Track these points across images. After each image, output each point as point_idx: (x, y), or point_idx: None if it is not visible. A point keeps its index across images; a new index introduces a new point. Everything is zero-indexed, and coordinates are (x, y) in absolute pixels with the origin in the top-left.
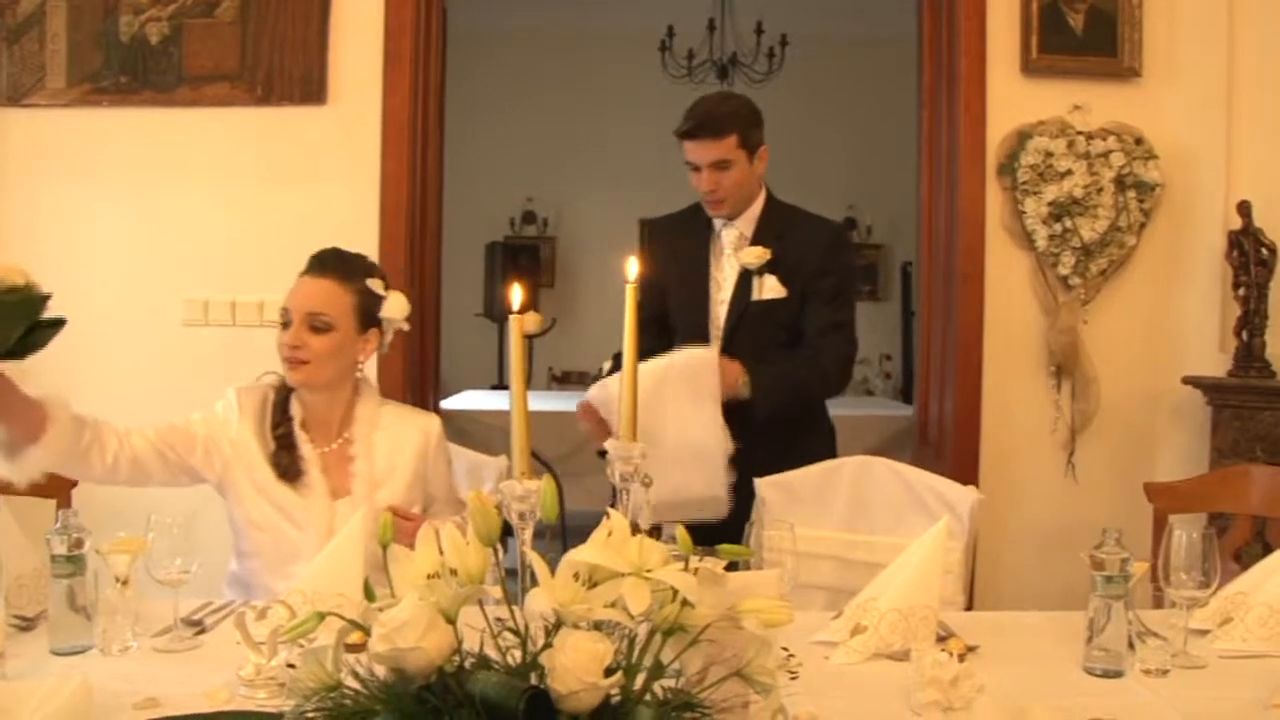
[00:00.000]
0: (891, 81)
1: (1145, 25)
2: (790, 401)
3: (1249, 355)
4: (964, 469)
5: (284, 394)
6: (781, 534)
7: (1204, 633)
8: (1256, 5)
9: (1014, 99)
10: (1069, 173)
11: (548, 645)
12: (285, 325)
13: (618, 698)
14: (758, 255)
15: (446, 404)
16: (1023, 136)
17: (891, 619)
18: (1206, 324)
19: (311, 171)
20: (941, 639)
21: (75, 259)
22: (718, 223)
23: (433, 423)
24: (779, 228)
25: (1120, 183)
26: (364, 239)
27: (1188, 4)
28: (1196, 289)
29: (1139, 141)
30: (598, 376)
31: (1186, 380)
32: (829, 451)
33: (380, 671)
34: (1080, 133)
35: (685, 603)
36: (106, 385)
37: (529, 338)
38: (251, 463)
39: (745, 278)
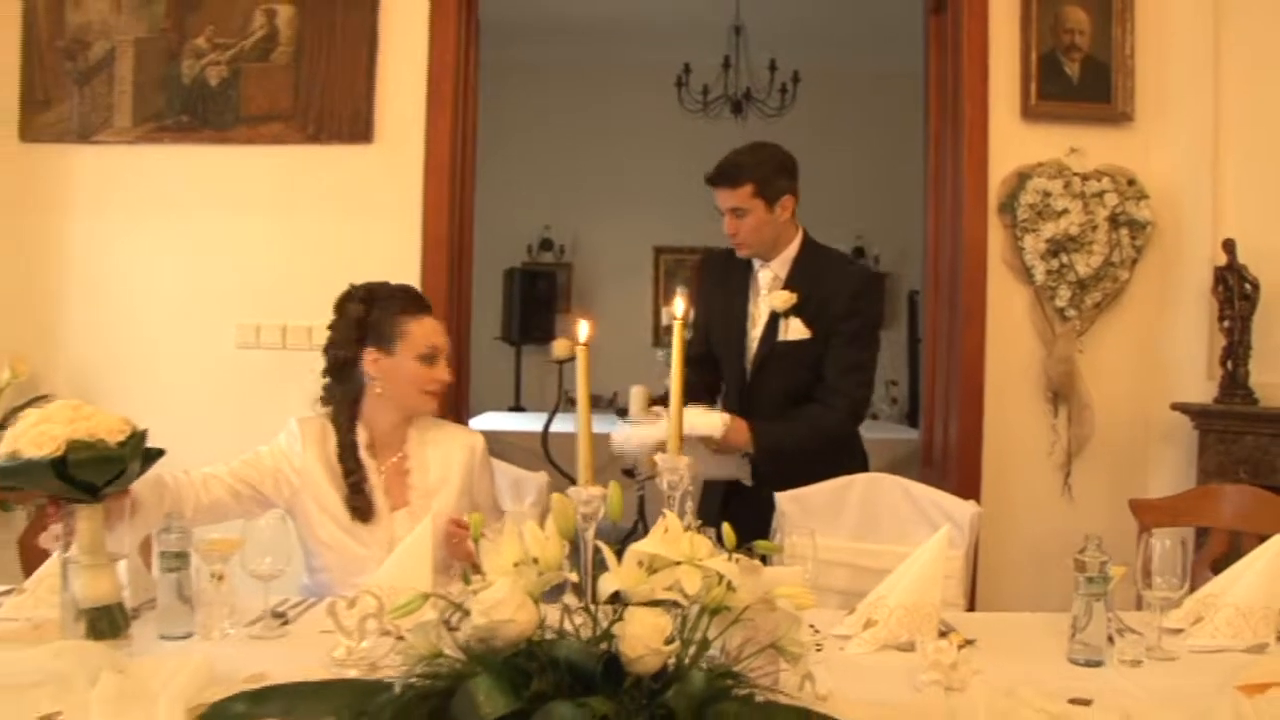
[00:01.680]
0: (900, 115)
1: (1137, 74)
2: (792, 457)
3: (1233, 383)
4: (967, 489)
5: (349, 422)
6: (803, 540)
7: (1178, 631)
8: (1241, 56)
9: (1014, 142)
10: (1065, 211)
11: (619, 618)
12: (430, 361)
13: (673, 664)
14: (785, 299)
15: (472, 424)
16: (1022, 177)
17: (899, 615)
18: (1194, 354)
19: (358, 205)
20: (943, 633)
21: (137, 284)
22: (756, 262)
23: (477, 439)
24: (812, 271)
25: (1114, 221)
26: (407, 269)
27: (1177, 54)
28: (1185, 321)
29: (1131, 182)
30: (613, 401)
31: (1175, 407)
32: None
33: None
34: (1076, 174)
35: (729, 587)
36: (165, 400)
37: (558, 363)
38: (318, 488)
39: (774, 318)
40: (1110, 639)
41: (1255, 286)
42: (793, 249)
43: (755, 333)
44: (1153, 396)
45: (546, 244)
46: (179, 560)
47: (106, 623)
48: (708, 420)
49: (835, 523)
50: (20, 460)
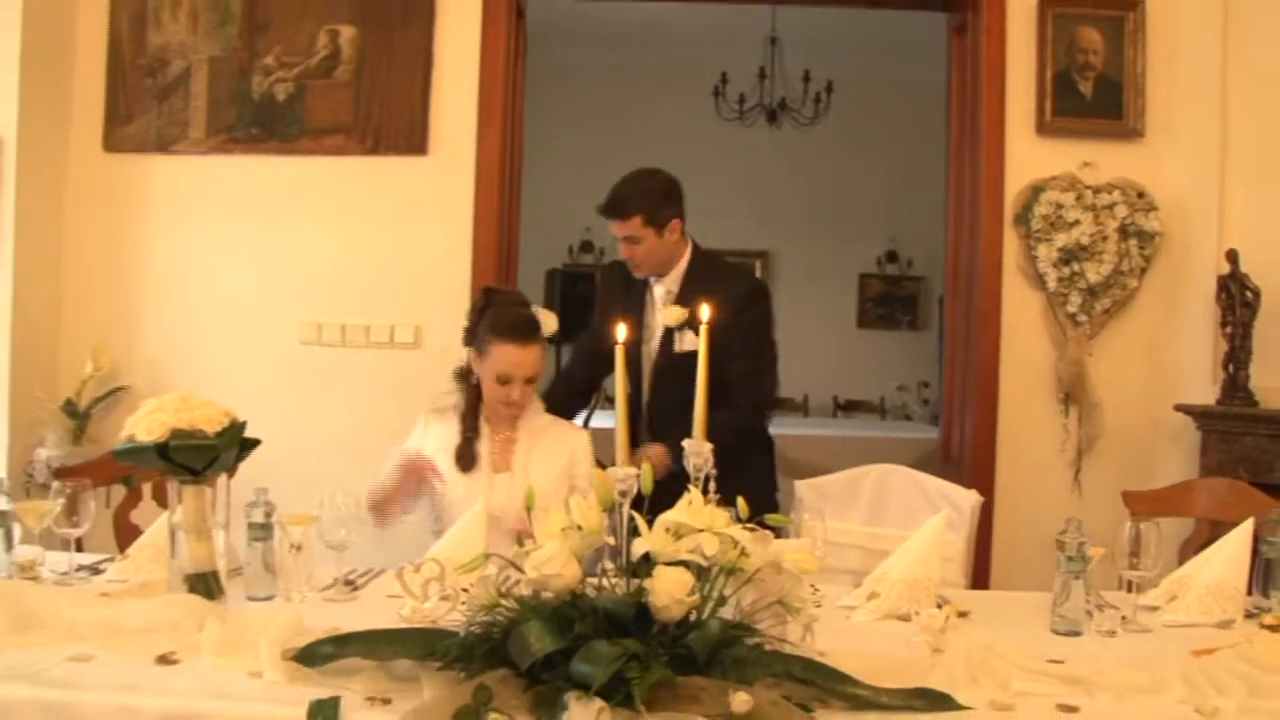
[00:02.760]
0: (930, 124)
1: (1148, 92)
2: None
3: (1234, 386)
4: (982, 485)
5: (475, 394)
6: (815, 522)
7: (1155, 608)
8: (1247, 77)
9: (1029, 156)
10: (1077, 222)
11: (649, 574)
12: (504, 383)
13: (694, 615)
14: (677, 315)
15: None
16: (1036, 190)
17: (900, 588)
18: (1199, 358)
19: (413, 213)
20: (939, 606)
21: (209, 284)
22: (651, 278)
23: (582, 436)
24: (702, 283)
25: (1123, 231)
26: (457, 273)
27: (1186, 74)
28: (1191, 326)
29: (1141, 195)
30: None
31: (1179, 408)
32: (769, 463)
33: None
34: (1088, 187)
35: (743, 552)
36: (233, 391)
37: None
38: (440, 454)
39: (669, 331)
40: (1089, 613)
41: (1256, 294)
42: (683, 264)
43: (651, 346)
44: (1159, 398)
45: (587, 246)
46: (264, 532)
47: (204, 586)
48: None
49: (850, 509)
50: (133, 444)
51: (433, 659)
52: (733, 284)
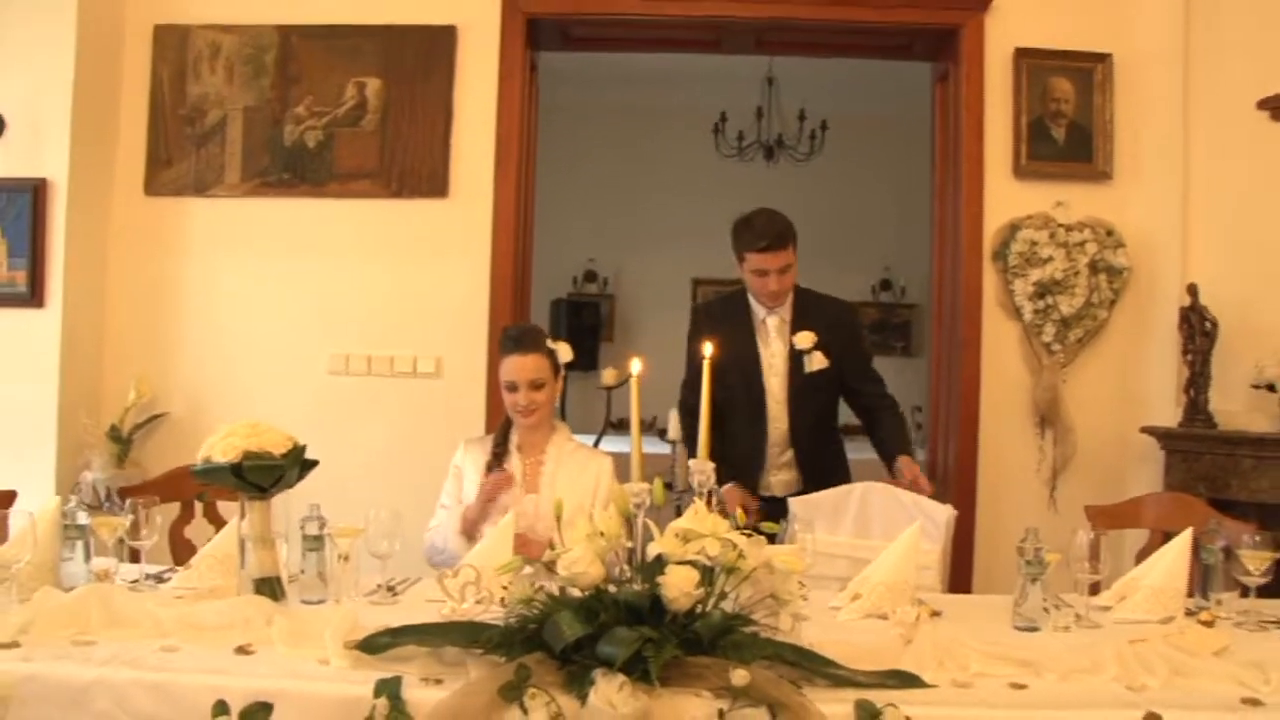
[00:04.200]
0: (920, 157)
1: (1116, 137)
2: None
3: (1195, 409)
4: (964, 501)
5: (506, 431)
6: (805, 534)
7: (1108, 608)
8: (1206, 123)
9: (1007, 197)
10: (1051, 258)
11: (661, 572)
12: (512, 391)
13: (700, 607)
14: (808, 339)
15: None
16: (1013, 228)
17: (880, 590)
18: (1164, 383)
19: (435, 252)
20: (916, 607)
21: (244, 318)
22: (759, 310)
23: (605, 462)
24: (810, 310)
25: (1094, 267)
26: (476, 307)
27: (1151, 121)
28: (1156, 354)
29: (1110, 233)
30: (653, 424)
31: (1145, 429)
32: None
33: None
34: (1061, 225)
35: (740, 554)
36: (267, 418)
37: (607, 389)
38: (474, 474)
39: (795, 355)
40: (1046, 610)
41: (1215, 325)
42: (792, 295)
43: (772, 374)
44: (1127, 420)
45: (591, 276)
46: (317, 543)
47: (269, 589)
48: (933, 504)
49: (838, 523)
50: (211, 464)
51: (477, 646)
52: (838, 308)
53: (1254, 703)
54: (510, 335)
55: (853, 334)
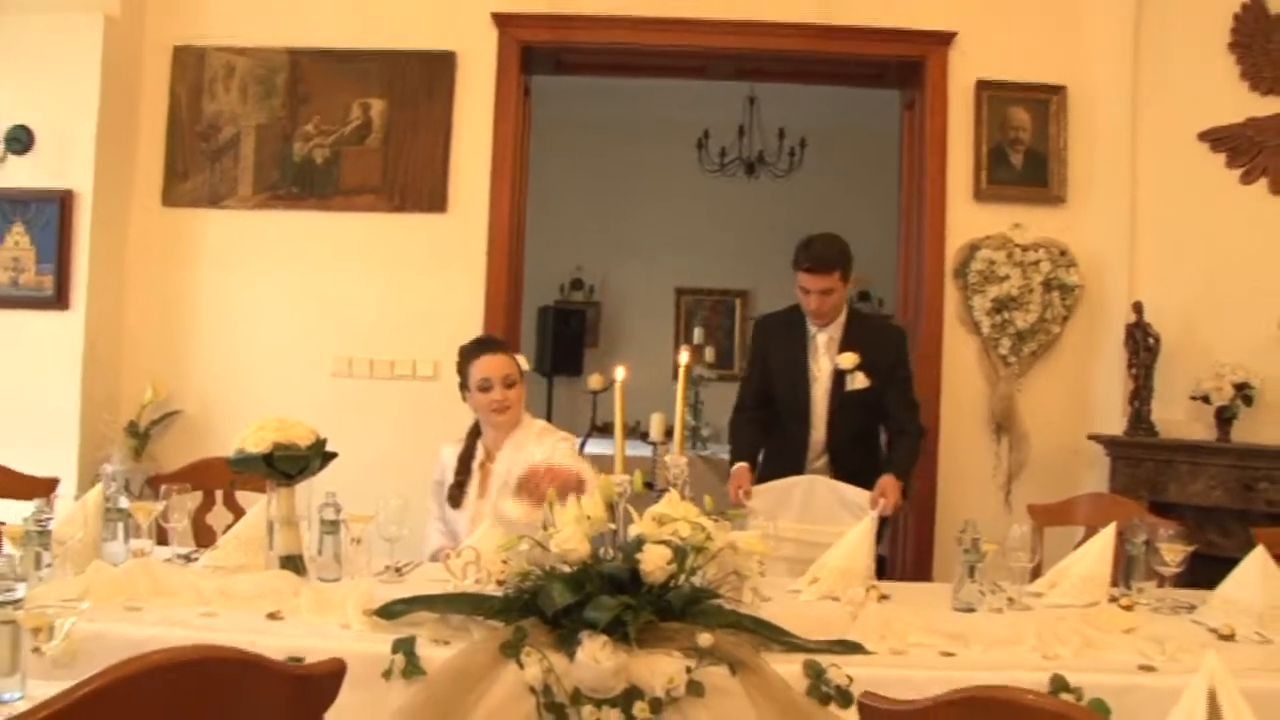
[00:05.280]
0: (894, 173)
1: (1070, 164)
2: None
3: (1138, 419)
4: (924, 504)
5: (472, 440)
6: (767, 521)
7: (1040, 594)
8: (1153, 152)
9: (967, 219)
10: (1008, 277)
11: (639, 549)
12: (486, 390)
13: (673, 580)
14: (851, 359)
15: None
16: (973, 248)
17: (835, 575)
18: (1111, 394)
19: (433, 262)
20: (867, 590)
21: (253, 323)
22: (812, 327)
23: (563, 443)
24: (859, 333)
25: (1047, 285)
26: (472, 314)
27: (1102, 149)
28: (1104, 367)
29: (1063, 253)
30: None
31: (1092, 437)
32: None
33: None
34: (1018, 245)
35: (708, 536)
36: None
37: (593, 394)
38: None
39: (838, 373)
40: (982, 594)
41: (1157, 340)
42: (844, 315)
43: (817, 386)
44: (1077, 428)
45: (578, 284)
46: (334, 527)
47: (293, 566)
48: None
49: (784, 510)
50: (245, 455)
51: (479, 613)
52: (888, 333)
53: (1148, 669)
54: (479, 340)
55: (896, 360)
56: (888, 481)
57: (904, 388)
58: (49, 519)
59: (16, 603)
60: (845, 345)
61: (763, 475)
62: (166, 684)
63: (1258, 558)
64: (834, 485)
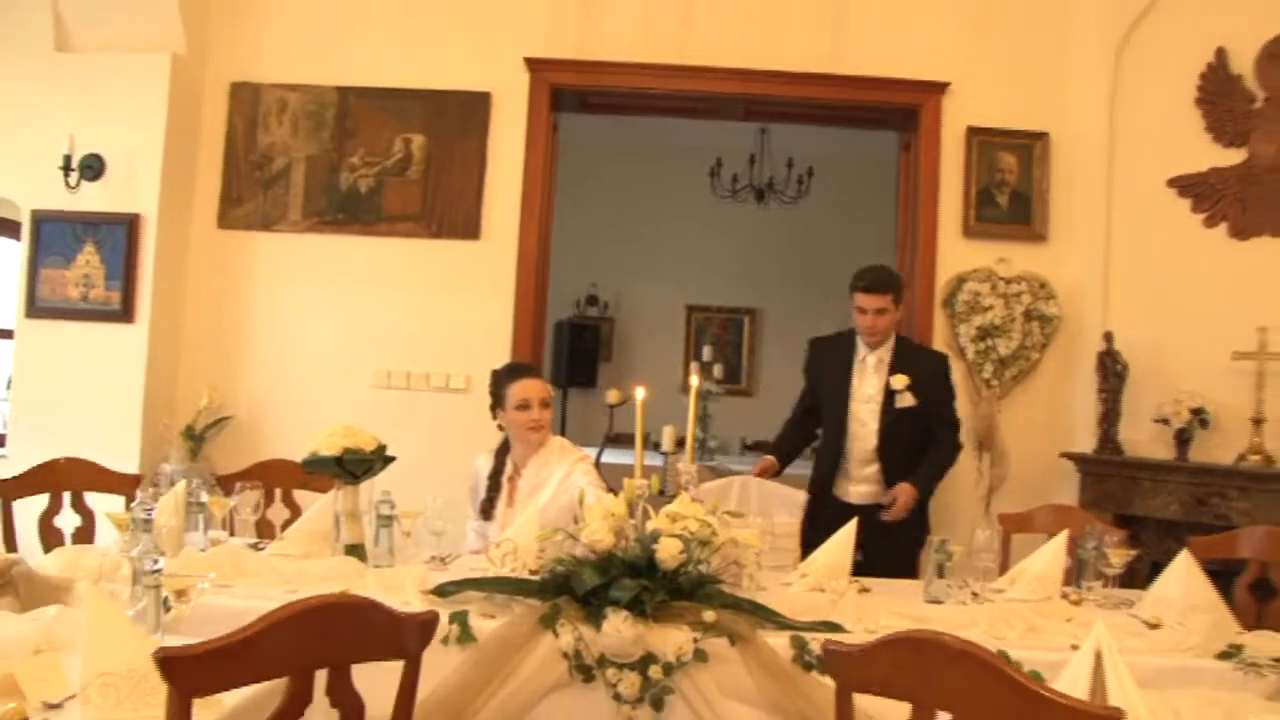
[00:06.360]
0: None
1: (1051, 204)
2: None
3: (1107, 439)
4: (914, 516)
5: (502, 455)
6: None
7: (1001, 590)
8: (1126, 195)
9: (956, 253)
10: (992, 307)
11: (655, 541)
12: (525, 409)
13: (684, 568)
14: (903, 380)
15: None
16: (961, 280)
17: (822, 570)
18: (1084, 416)
19: (467, 285)
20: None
21: (300, 337)
22: (862, 349)
23: (582, 462)
24: (907, 356)
25: (1028, 315)
26: (501, 332)
27: (1080, 192)
28: (1078, 391)
29: (1043, 286)
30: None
31: (1064, 455)
32: None
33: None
34: (1001, 278)
35: (713, 530)
36: (317, 425)
37: (610, 407)
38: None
39: (889, 391)
40: (950, 589)
41: (1125, 367)
42: (892, 340)
43: (865, 403)
44: (1052, 447)
45: (592, 300)
46: (389, 521)
47: (357, 554)
48: (794, 491)
49: (725, 505)
50: (319, 457)
51: (520, 593)
52: (932, 360)
53: (1077, 648)
54: (514, 366)
55: (941, 383)
56: (901, 488)
57: (945, 407)
58: (152, 509)
59: (158, 571)
60: (895, 367)
61: (814, 466)
62: (319, 619)
63: (1182, 561)
64: (764, 484)
